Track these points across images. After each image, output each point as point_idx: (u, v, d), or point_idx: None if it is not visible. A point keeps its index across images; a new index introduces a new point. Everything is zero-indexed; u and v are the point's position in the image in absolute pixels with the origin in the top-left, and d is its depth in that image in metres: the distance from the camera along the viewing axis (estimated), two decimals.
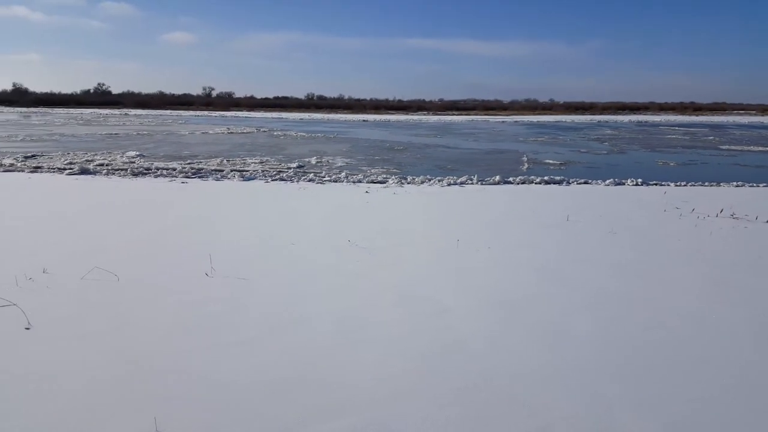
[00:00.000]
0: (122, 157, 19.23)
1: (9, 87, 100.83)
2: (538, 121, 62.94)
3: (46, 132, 32.38)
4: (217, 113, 74.29)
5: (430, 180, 14.55)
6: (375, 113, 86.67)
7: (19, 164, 16.60)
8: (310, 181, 14.48)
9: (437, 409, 3.59)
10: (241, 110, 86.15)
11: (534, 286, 6.04)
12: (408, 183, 14.25)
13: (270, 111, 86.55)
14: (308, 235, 8.12)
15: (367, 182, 14.38)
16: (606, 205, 11.26)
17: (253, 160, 18.96)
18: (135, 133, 32.82)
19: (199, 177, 14.82)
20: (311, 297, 5.58)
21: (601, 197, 12.43)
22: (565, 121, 64.55)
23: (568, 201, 11.68)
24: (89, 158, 18.67)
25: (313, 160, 19.44)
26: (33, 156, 19.09)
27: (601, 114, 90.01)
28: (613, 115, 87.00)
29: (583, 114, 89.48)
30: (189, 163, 17.47)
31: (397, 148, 26.13)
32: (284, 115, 74.24)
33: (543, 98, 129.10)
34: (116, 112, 69.11)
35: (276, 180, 14.56)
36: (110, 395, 3.66)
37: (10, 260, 6.51)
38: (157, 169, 15.98)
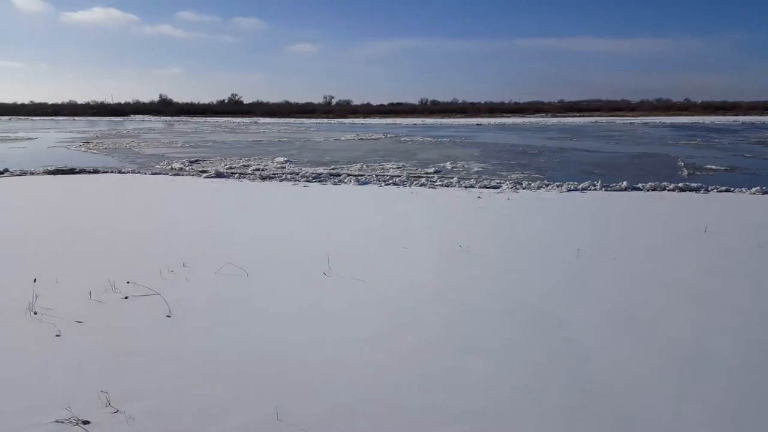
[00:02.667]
0: (273, 162, 20.37)
1: (156, 98, 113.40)
2: (672, 123, 57.88)
3: (200, 139, 35.34)
4: (336, 120, 77.45)
5: (548, 185, 13.99)
6: (490, 117, 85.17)
7: (186, 168, 18.38)
8: (421, 185, 14.58)
9: (549, 427, 3.44)
10: (358, 117, 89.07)
11: (663, 301, 5.56)
12: (523, 188, 13.82)
13: (385, 117, 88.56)
14: (419, 239, 8.18)
15: (480, 187, 14.17)
16: (753, 216, 10.07)
17: (391, 165, 19.29)
18: (276, 140, 34.78)
19: (319, 181, 15.53)
20: (422, 301, 5.61)
21: (748, 207, 11.14)
22: (704, 122, 58.79)
23: (705, 210, 10.61)
24: (245, 163, 19.97)
25: (448, 165, 19.39)
26: (197, 161, 20.81)
27: (746, 114, 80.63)
28: (761, 115, 77.46)
29: (724, 114, 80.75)
30: (333, 169, 18.19)
31: (531, 152, 25.33)
32: (398, 120, 75.50)
33: (675, 97, 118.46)
34: (247, 120, 74.70)
35: (389, 184, 14.84)
36: (237, 382, 3.95)
37: (155, 254, 7.29)
38: (292, 174, 17.02)
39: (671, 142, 31.15)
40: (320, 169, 17.92)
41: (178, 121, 73.57)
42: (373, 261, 7.05)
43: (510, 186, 14.04)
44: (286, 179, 15.82)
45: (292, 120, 76.84)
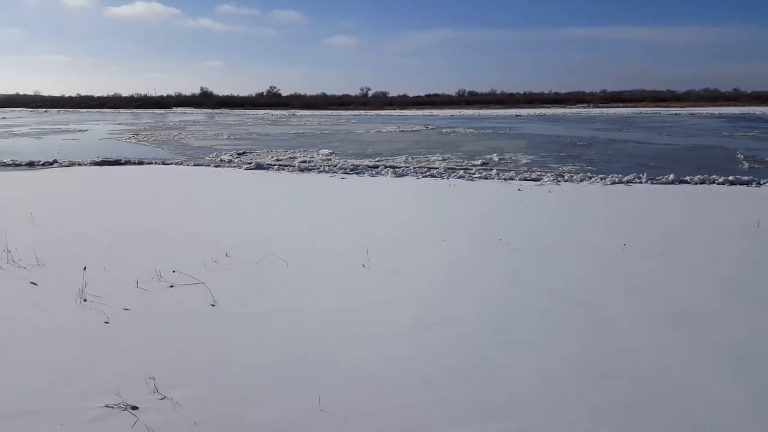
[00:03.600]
0: (318, 154, 20.46)
1: (197, 91, 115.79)
2: (721, 114, 55.58)
3: (244, 131, 35.70)
4: (373, 112, 77.42)
5: (591, 178, 13.64)
6: (529, 107, 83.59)
7: (235, 160, 18.60)
8: (459, 178, 14.43)
9: (592, 427, 3.34)
10: (394, 109, 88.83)
11: (716, 300, 5.34)
12: (566, 181, 13.51)
13: (421, 109, 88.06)
14: (458, 233, 8.10)
15: (520, 179, 13.92)
16: None
17: (436, 158, 19.15)
18: (318, 132, 34.87)
19: (356, 173, 15.57)
20: (462, 295, 5.54)
21: None
22: (755, 113, 56.16)
23: (758, 204, 10.14)
24: (291, 155, 20.11)
25: (495, 157, 19.11)
26: (244, 153, 21.06)
27: None
28: None
29: None
30: (378, 161, 18.15)
31: (580, 143, 24.71)
32: (435, 112, 74.98)
33: (723, 87, 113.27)
34: (285, 112, 75.48)
35: (426, 176, 14.75)
36: (279, 370, 3.99)
37: (199, 244, 7.44)
38: (330, 166, 17.13)
39: (726, 134, 29.86)
40: (366, 161, 17.85)
41: (219, 113, 74.95)
42: (411, 254, 7.02)
43: (552, 178, 13.75)
44: (324, 171, 15.92)
45: (329, 112, 77.27)
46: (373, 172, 15.65)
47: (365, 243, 7.27)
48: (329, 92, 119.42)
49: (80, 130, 36.59)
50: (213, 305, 5.28)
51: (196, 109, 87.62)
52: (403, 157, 19.27)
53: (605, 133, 31.84)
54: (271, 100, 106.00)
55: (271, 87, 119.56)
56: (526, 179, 13.95)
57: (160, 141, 27.20)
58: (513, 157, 19.19)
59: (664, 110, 67.70)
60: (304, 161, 18.14)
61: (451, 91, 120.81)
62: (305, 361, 4.16)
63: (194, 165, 17.39)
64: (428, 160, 18.42)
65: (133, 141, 27.36)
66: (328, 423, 3.37)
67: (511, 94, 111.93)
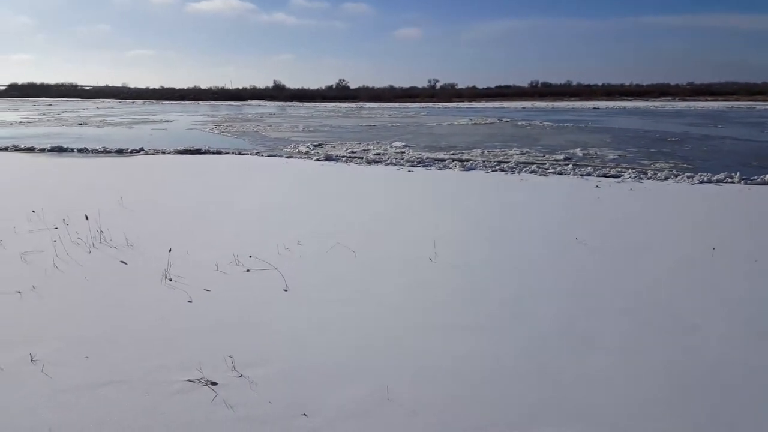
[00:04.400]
0: (391, 147, 20.42)
1: (270, 84, 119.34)
2: None
3: (318, 124, 36.27)
4: (440, 105, 76.87)
5: (676, 176, 12.89)
6: (607, 100, 79.95)
7: (312, 151, 18.88)
8: (531, 173, 14.06)
9: None
10: (462, 101, 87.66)
11: None
12: (648, 178, 12.85)
13: (491, 101, 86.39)
14: (530, 229, 7.90)
15: (598, 175, 13.37)
16: None
17: (514, 152, 18.65)
18: (389, 125, 34.86)
19: (423, 166, 15.53)
20: (534, 293, 5.41)
21: None
22: None
23: None
24: (365, 148, 20.22)
25: (579, 152, 18.33)
26: (320, 144, 21.33)
27: None
28: None
29: None
30: (453, 154, 17.91)
31: (671, 138, 23.46)
32: (506, 104, 73.34)
33: None
34: (353, 105, 76.38)
35: (496, 170, 14.48)
36: (348, 357, 4.07)
37: (272, 231, 7.69)
38: (398, 158, 17.23)
39: None
40: (440, 154, 17.63)
41: (290, 105, 76.88)
42: (480, 249, 6.92)
43: (633, 175, 13.12)
44: (391, 163, 15.98)
45: (396, 104, 77.39)
46: (441, 165, 15.55)
47: (432, 236, 7.24)
48: (396, 84, 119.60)
49: (166, 121, 38.58)
50: (286, 290, 5.45)
51: (269, 102, 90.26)
52: (479, 151, 18.86)
53: (698, 128, 29.83)
54: (339, 93, 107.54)
55: (340, 80, 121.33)
56: (604, 175, 13.38)
57: (240, 132, 28.16)
58: (598, 152, 18.27)
59: (760, 104, 62.78)
60: (378, 153, 18.20)
61: (523, 83, 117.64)
62: (373, 349, 4.21)
63: (268, 156, 17.96)
64: (505, 154, 17.87)
65: (216, 132, 28.51)
66: (396, 413, 3.40)
67: (588, 86, 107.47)
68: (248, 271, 5.99)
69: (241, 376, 3.78)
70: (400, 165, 15.70)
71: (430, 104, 78.47)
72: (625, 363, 4.01)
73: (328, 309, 4.99)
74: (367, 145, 21.31)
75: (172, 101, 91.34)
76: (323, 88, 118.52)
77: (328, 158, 17.16)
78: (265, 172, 14.14)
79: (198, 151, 18.63)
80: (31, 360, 3.93)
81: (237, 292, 5.37)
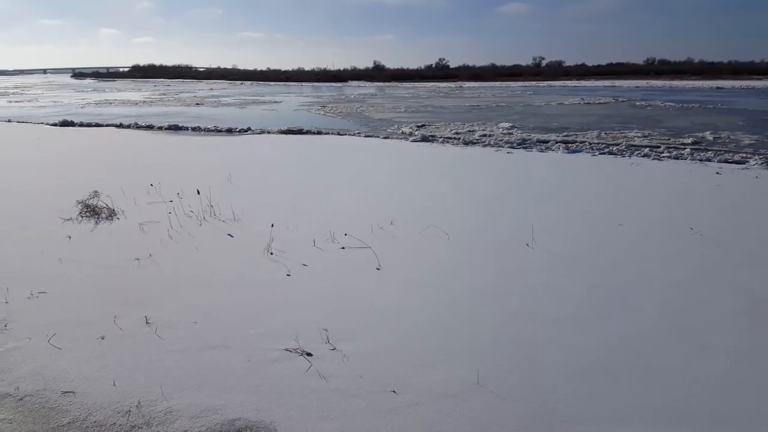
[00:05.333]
0: (498, 128, 19.84)
1: (370, 65, 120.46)
2: None
3: (419, 104, 35.92)
4: (546, 83, 73.53)
5: None
6: (733, 79, 72.16)
7: (415, 132, 18.80)
8: (644, 156, 13.09)
9: None
10: (570, 79, 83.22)
11: None
12: None
13: (601, 79, 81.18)
14: (640, 217, 7.37)
15: (719, 161, 12.17)
16: None
17: (634, 134, 17.36)
18: (494, 104, 33.94)
19: (524, 148, 14.99)
20: (640, 285, 5.06)
21: None
22: None
23: None
24: (469, 129, 19.72)
25: (708, 135, 16.78)
26: (423, 125, 21.20)
27: None
28: None
29: None
30: (566, 136, 17.17)
31: None
32: (617, 82, 68.58)
33: None
34: (452, 84, 75.23)
35: (603, 153, 13.65)
36: (440, 339, 4.05)
37: (367, 210, 7.82)
38: (496, 139, 16.82)
39: None
40: (552, 136, 16.89)
41: (389, 86, 77.22)
42: (581, 236, 6.58)
43: (760, 162, 11.79)
44: (489, 145, 15.59)
45: (497, 83, 75.12)
46: (543, 147, 14.93)
47: (530, 221, 7.00)
48: (498, 62, 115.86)
49: (275, 102, 40.20)
50: (378, 269, 5.52)
51: (368, 83, 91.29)
52: (594, 133, 17.73)
53: None
54: (438, 73, 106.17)
55: (439, 59, 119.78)
56: (726, 161, 12.16)
57: (344, 113, 28.66)
58: (731, 137, 16.48)
59: None
60: (484, 134, 17.75)
61: (638, 60, 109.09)
62: (464, 333, 4.16)
63: (365, 136, 18.23)
64: (625, 137, 16.63)
65: (322, 113, 29.26)
66: (485, 398, 3.35)
67: (711, 63, 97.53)
68: (343, 248, 6.14)
69: (335, 349, 3.90)
70: (499, 146, 15.28)
71: (534, 83, 75.34)
72: (739, 367, 3.65)
73: (419, 290, 5.00)
74: (472, 125, 20.71)
75: (277, 83, 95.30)
76: (422, 67, 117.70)
77: (425, 139, 17.09)
78: (361, 152, 14.38)
79: (300, 131, 19.33)
80: (146, 322, 4.32)
81: (332, 269, 5.54)
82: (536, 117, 24.59)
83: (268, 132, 19.46)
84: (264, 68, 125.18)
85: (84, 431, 3.04)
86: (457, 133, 18.17)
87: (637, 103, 31.88)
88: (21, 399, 3.31)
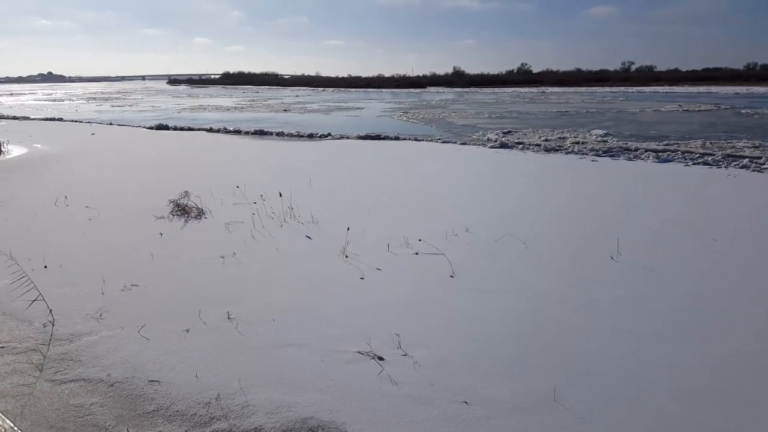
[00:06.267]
0: (590, 135, 19.09)
1: (450, 70, 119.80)
2: None
3: (503, 110, 35.23)
4: (635, 89, 69.91)
5: None
6: None
7: (502, 139, 18.28)
8: (742, 168, 12.09)
9: None
10: (661, 85, 78.58)
11: None
12: None
13: (695, 85, 76.03)
14: (736, 233, 6.81)
15: None
16: None
17: (744, 144, 16.00)
18: (583, 111, 32.73)
19: (610, 156, 14.31)
20: (734, 305, 4.66)
21: None
22: None
23: None
24: (560, 136, 19.04)
25: None
26: (509, 132, 20.69)
27: None
28: None
29: None
30: (666, 145, 16.09)
31: None
32: (713, 89, 63.93)
33: None
34: (534, 90, 73.32)
35: (698, 164, 12.74)
36: (514, 352, 3.93)
37: (442, 216, 7.76)
38: (581, 146, 16.22)
39: None
40: (652, 145, 15.95)
41: (468, 92, 76.42)
42: (671, 251, 6.17)
43: None
44: (572, 152, 15.02)
45: (583, 89, 72.33)
46: (630, 156, 14.17)
47: (615, 233, 6.65)
48: (584, 67, 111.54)
49: (358, 108, 40.91)
50: (452, 276, 5.46)
51: (447, 88, 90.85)
52: (699, 142, 16.51)
53: None
54: (520, 78, 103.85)
55: (522, 64, 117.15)
56: None
57: (426, 119, 28.55)
58: None
59: None
60: (576, 142, 17.02)
61: (736, 64, 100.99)
62: (541, 346, 4.01)
63: (442, 142, 18.14)
64: (733, 147, 15.39)
65: (404, 119, 29.38)
66: (561, 415, 3.20)
67: None
68: (417, 254, 6.13)
69: (406, 354, 3.89)
70: (583, 154, 14.68)
71: (622, 88, 71.87)
72: None
73: (494, 300, 4.88)
74: (562, 132, 19.86)
75: (357, 89, 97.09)
76: (503, 72, 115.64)
77: (504, 145, 16.75)
78: (438, 158, 14.31)
79: (378, 137, 19.57)
80: (228, 318, 4.52)
81: (405, 274, 5.53)
82: (631, 124, 23.31)
83: (347, 137, 19.85)
84: (345, 75, 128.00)
85: (167, 419, 3.21)
86: (546, 140, 17.56)
87: (742, 111, 29.47)
88: (111, 385, 3.55)
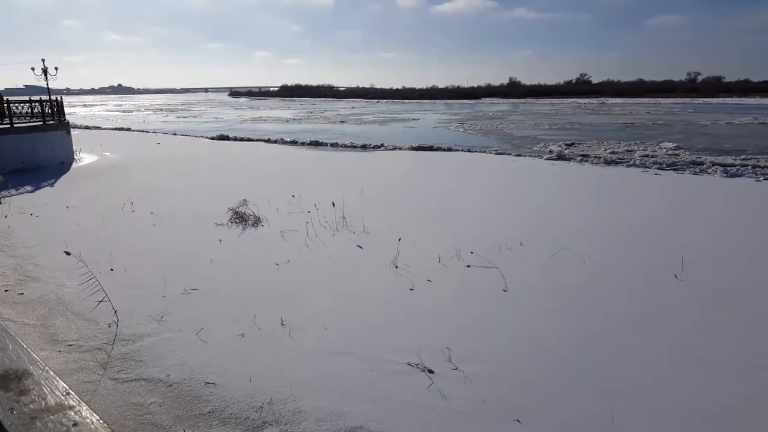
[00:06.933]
0: (660, 148, 18.31)
1: (505, 81, 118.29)
2: None
3: (564, 121, 34.47)
4: (701, 100, 66.81)
5: None
6: None
7: (565, 151, 17.67)
8: None
9: None
10: (730, 96, 74.64)
11: None
12: None
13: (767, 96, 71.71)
14: None
15: None
16: None
17: None
18: (650, 122, 31.46)
19: (674, 170, 13.70)
20: None
21: None
22: None
23: None
24: (627, 148, 18.33)
25: None
26: (572, 144, 20.14)
27: None
28: None
29: None
30: (743, 159, 15.03)
31: None
32: None
33: None
34: (594, 101, 71.31)
35: None
36: (571, 373, 3.79)
37: (494, 229, 7.63)
38: (643, 158, 15.64)
39: None
40: (728, 159, 15.09)
41: (524, 102, 75.16)
42: (740, 272, 5.82)
43: None
44: (634, 165, 14.48)
45: (645, 100, 69.76)
46: (696, 170, 13.52)
47: (679, 251, 6.34)
48: (646, 78, 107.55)
49: (413, 119, 40.93)
50: (505, 291, 5.35)
51: (502, 99, 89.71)
52: None
53: None
54: (579, 88, 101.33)
55: (581, 74, 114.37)
56: None
57: (484, 130, 28.19)
58: None
59: None
60: (645, 155, 16.37)
61: None
62: (599, 368, 3.86)
63: (496, 153, 17.91)
64: None
65: (460, 130, 29.16)
66: None
67: None
68: (468, 266, 6.05)
69: (456, 369, 3.83)
70: (646, 167, 14.13)
71: (687, 99, 68.84)
72: None
73: (549, 316, 4.74)
74: (629, 145, 19.09)
75: (410, 100, 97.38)
76: (561, 83, 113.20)
77: (560, 157, 16.35)
78: (491, 170, 14.13)
79: (430, 148, 19.54)
80: (282, 324, 4.60)
81: (456, 286, 5.47)
82: (703, 137, 22.21)
83: (400, 148, 19.93)
84: (398, 87, 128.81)
85: (221, 422, 3.29)
86: (612, 153, 17.02)
87: None
88: (170, 386, 3.68)
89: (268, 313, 4.81)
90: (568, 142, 20.32)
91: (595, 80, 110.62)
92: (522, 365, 3.89)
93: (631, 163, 14.79)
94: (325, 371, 3.82)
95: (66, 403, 0.47)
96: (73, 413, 0.45)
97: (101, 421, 0.44)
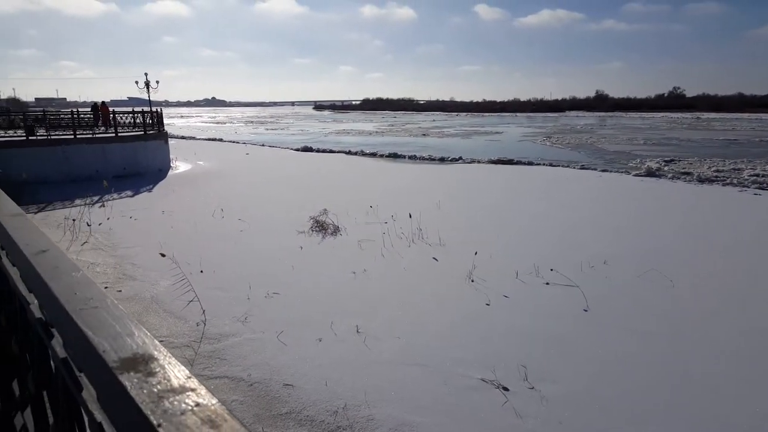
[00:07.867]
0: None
1: (592, 94, 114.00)
2: None
3: (660, 136, 32.84)
4: None
5: None
6: None
7: (664, 168, 16.88)
8: None
9: None
10: None
11: None
12: None
13: None
14: None
15: None
16: None
17: None
18: (757, 139, 29.17)
19: None
20: None
21: None
22: None
23: None
24: (734, 167, 17.04)
25: None
26: (672, 161, 19.07)
27: None
28: None
29: None
30: None
31: None
32: None
33: None
34: (687, 115, 67.06)
35: None
36: (653, 396, 3.60)
37: (577, 246, 7.36)
38: (740, 180, 14.55)
39: None
40: None
41: (612, 116, 72.04)
42: None
43: None
44: (730, 184, 13.48)
45: (745, 115, 64.69)
46: None
47: (738, 282, 5.83)
48: (747, 91, 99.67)
49: (496, 132, 40.46)
50: (586, 311, 5.15)
51: (588, 113, 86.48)
52: None
53: None
54: (671, 102, 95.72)
55: (674, 88, 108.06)
56: None
57: (573, 144, 27.33)
58: None
59: None
60: (755, 174, 15.19)
61: None
62: (688, 395, 3.63)
63: (579, 168, 17.29)
64: None
65: (548, 144, 28.32)
66: None
67: None
68: (547, 284, 5.88)
69: (533, 388, 3.74)
70: (744, 186, 13.12)
71: None
72: None
73: (634, 340, 4.52)
74: (735, 163, 17.77)
75: (491, 113, 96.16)
76: (652, 96, 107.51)
77: (650, 174, 15.52)
78: (575, 185, 13.65)
79: (510, 162, 19.21)
80: (357, 331, 4.69)
81: (534, 304, 5.34)
82: None
83: (478, 161, 19.74)
84: (479, 99, 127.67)
85: (298, 423, 3.41)
86: (718, 171, 15.96)
87: None
88: (251, 385, 3.86)
89: (344, 319, 4.93)
90: (666, 159, 19.23)
91: (690, 93, 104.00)
92: (602, 388, 3.73)
93: (728, 182, 13.77)
94: (398, 381, 3.86)
95: (188, 385, 0.54)
96: (195, 395, 0.52)
97: (220, 404, 0.50)
